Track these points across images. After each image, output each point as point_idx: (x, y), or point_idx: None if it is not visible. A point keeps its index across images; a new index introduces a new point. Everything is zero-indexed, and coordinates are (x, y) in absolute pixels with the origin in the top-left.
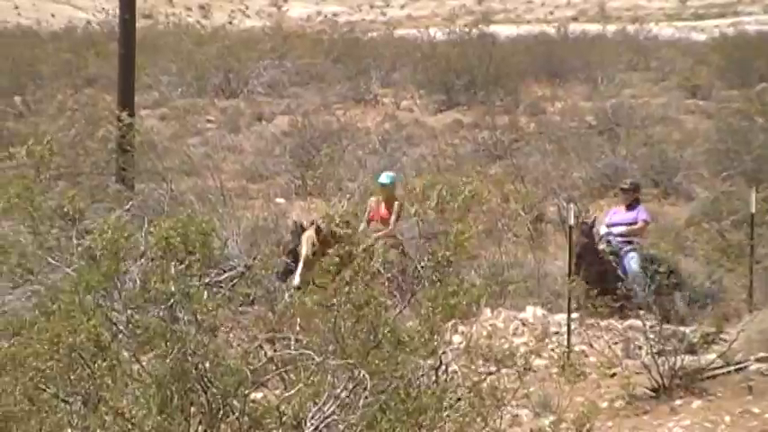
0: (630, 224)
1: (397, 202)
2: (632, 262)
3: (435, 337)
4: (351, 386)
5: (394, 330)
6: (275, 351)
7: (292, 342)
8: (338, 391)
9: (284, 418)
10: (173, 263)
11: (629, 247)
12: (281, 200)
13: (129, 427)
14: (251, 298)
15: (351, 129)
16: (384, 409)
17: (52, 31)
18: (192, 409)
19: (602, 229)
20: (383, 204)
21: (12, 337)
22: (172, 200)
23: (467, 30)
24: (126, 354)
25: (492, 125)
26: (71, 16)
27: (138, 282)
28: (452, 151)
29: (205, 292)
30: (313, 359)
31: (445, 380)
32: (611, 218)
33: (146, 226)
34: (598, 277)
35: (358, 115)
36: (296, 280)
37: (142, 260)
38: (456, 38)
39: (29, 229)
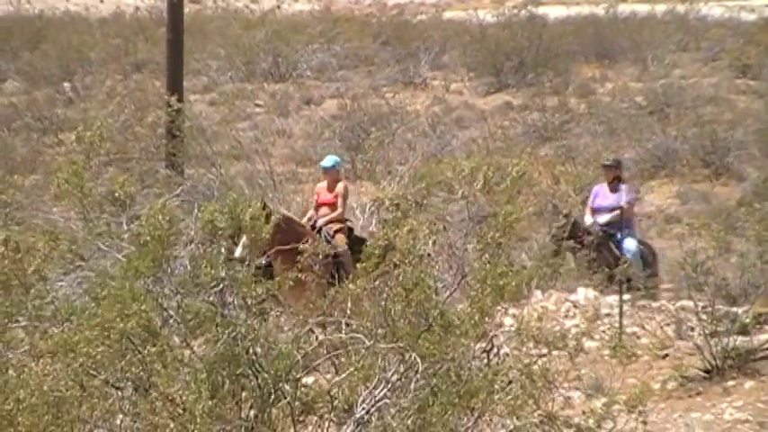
0: (614, 209)
1: (340, 184)
2: (628, 244)
3: (486, 319)
4: (402, 370)
5: (444, 313)
6: (326, 335)
7: (343, 326)
8: (389, 374)
9: (335, 403)
10: (222, 247)
11: (624, 232)
12: None
13: (180, 412)
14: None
15: (400, 112)
16: (435, 392)
17: (101, 16)
18: (243, 393)
19: (587, 218)
20: (327, 189)
21: (62, 323)
22: (221, 184)
23: (516, 11)
24: (176, 339)
25: (542, 107)
26: (119, 2)
27: (187, 267)
28: (502, 133)
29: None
30: (364, 343)
31: (496, 363)
32: (595, 201)
33: (196, 211)
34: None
35: (407, 98)
36: (238, 250)
37: (192, 245)
38: (505, 20)
39: (79, 215)
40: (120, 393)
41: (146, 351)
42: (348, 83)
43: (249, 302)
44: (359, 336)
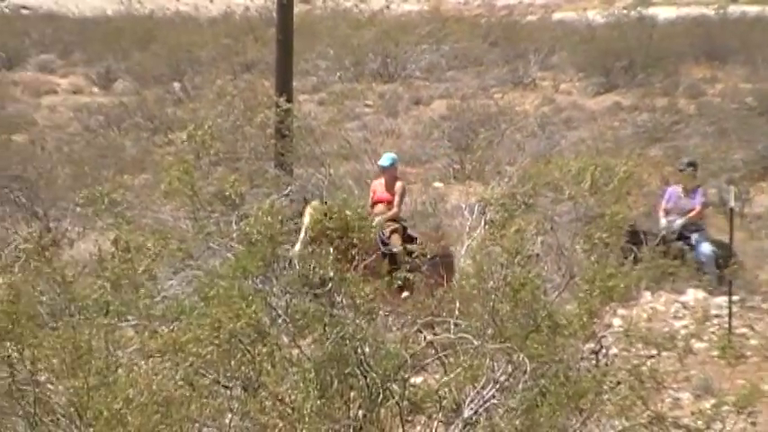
0: (688, 212)
1: (399, 183)
2: (703, 248)
3: (595, 320)
4: (510, 370)
5: (552, 314)
6: (434, 335)
7: (451, 326)
8: (497, 375)
9: (443, 402)
10: (330, 247)
11: (696, 235)
12: (439, 184)
13: (289, 411)
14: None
15: (509, 112)
16: (543, 393)
17: (210, 16)
18: (352, 393)
19: (662, 221)
20: (385, 187)
21: (172, 322)
22: (330, 184)
23: (625, 12)
24: (285, 338)
25: (651, 107)
26: (229, 2)
27: (296, 266)
28: (611, 134)
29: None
30: (472, 343)
31: (605, 363)
32: (668, 203)
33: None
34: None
35: (516, 99)
36: (297, 247)
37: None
38: (614, 20)
39: (188, 214)
40: (228, 392)
41: (255, 350)
42: (457, 83)
43: (357, 302)
44: (467, 336)
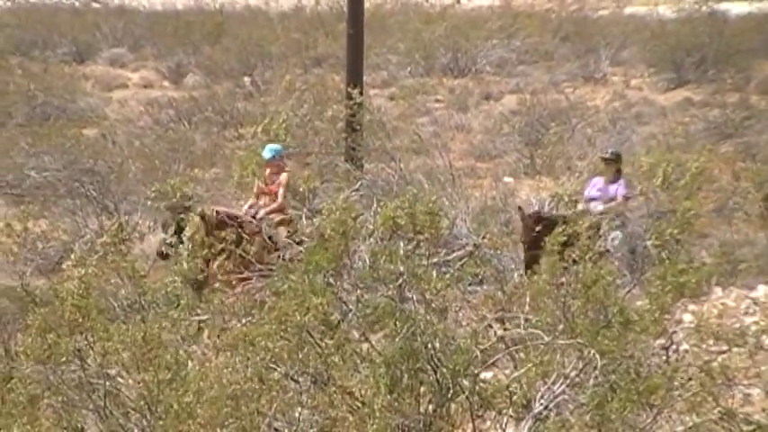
0: (610, 200)
1: (283, 175)
2: (614, 240)
3: (665, 316)
4: (580, 366)
5: (623, 310)
6: (505, 330)
7: (522, 321)
8: (568, 370)
9: (514, 398)
10: (401, 242)
11: (614, 225)
12: (509, 179)
13: (359, 406)
14: (480, 277)
15: (580, 107)
16: (614, 388)
17: (281, 11)
18: (422, 388)
19: (581, 205)
20: (270, 179)
21: (243, 317)
22: (400, 179)
23: (697, 7)
24: (355, 333)
25: (722, 103)
26: None
27: (367, 261)
28: (682, 129)
29: (434, 272)
30: (542, 339)
31: (676, 359)
32: (590, 192)
33: (375, 205)
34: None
35: (587, 93)
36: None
37: (371, 240)
38: (686, 15)
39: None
40: (298, 386)
41: (325, 345)
42: (527, 78)
43: (428, 297)
44: (538, 331)
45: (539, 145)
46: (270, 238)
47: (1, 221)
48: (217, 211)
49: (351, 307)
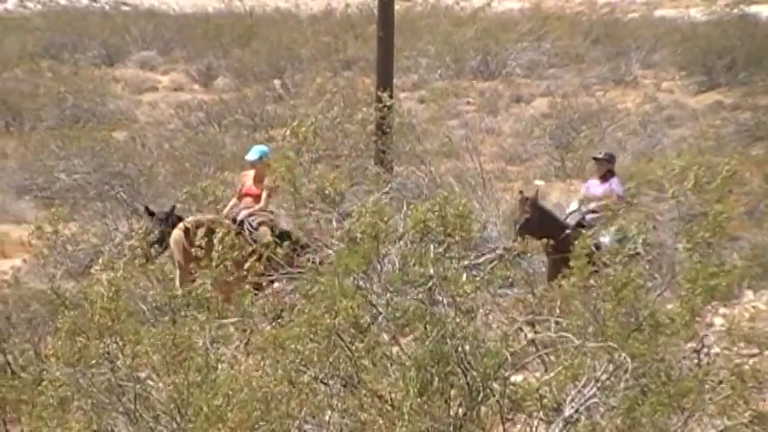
0: (602, 199)
1: (268, 178)
2: (604, 237)
3: (696, 319)
4: (611, 369)
5: (654, 313)
6: (535, 333)
7: (552, 324)
8: (598, 373)
9: (544, 401)
10: (431, 245)
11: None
12: (540, 182)
13: (389, 409)
14: (510, 280)
15: (610, 110)
16: (645, 391)
17: (311, 14)
18: (452, 391)
19: (573, 205)
20: (254, 180)
21: (273, 320)
22: (430, 182)
23: (728, 10)
24: (385, 336)
25: (753, 106)
26: None
27: (397, 264)
28: (713, 132)
29: (464, 275)
30: (573, 342)
31: (707, 362)
32: (584, 192)
33: (405, 208)
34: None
35: (618, 96)
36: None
37: (401, 243)
38: (716, 18)
39: (289, 211)
40: (328, 389)
41: (355, 347)
42: (558, 81)
43: (458, 300)
44: (568, 334)
45: (569, 148)
46: (253, 239)
47: (31, 224)
48: (196, 222)
49: (381, 310)
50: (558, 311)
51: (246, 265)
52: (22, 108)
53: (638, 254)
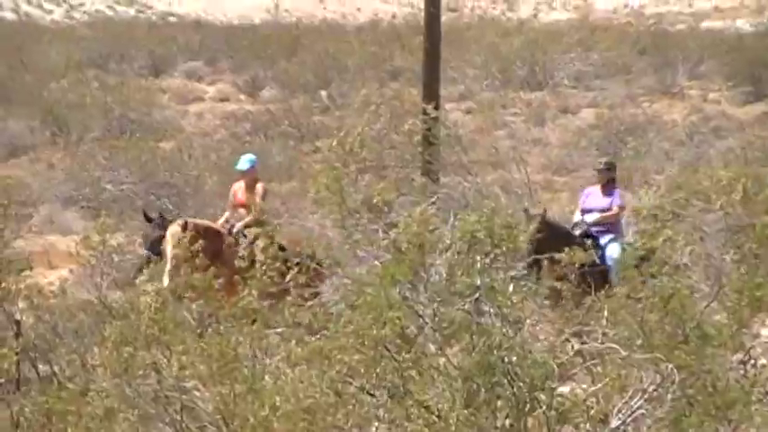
0: (604, 210)
1: (259, 185)
2: (611, 250)
3: (743, 330)
4: (658, 380)
5: (701, 324)
6: (582, 344)
7: (599, 335)
8: (645, 385)
9: (591, 413)
10: (478, 256)
11: (608, 237)
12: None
13: (435, 420)
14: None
15: (657, 121)
16: (691, 403)
17: (357, 24)
18: (498, 402)
19: (576, 216)
20: (246, 190)
21: (319, 330)
22: (477, 193)
23: None
24: (432, 347)
25: None
26: (377, 9)
27: (443, 275)
28: (761, 143)
29: (511, 286)
30: (619, 353)
31: (754, 374)
32: (586, 202)
33: (451, 219)
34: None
35: (664, 108)
36: (164, 281)
37: (448, 253)
38: (764, 29)
39: (335, 222)
40: (374, 400)
41: (401, 358)
42: (605, 92)
43: (505, 311)
44: (615, 346)
45: (616, 159)
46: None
47: (79, 234)
48: (195, 224)
49: (427, 320)
50: (605, 322)
51: (288, 278)
52: (68, 118)
53: (685, 264)
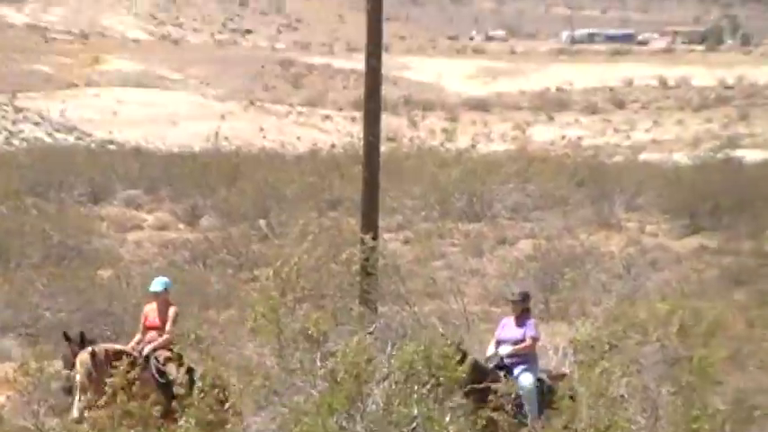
0: (518, 342)
1: (172, 309)
2: (523, 379)
3: None
4: None
5: None
6: None
7: None
8: None
9: None
10: (416, 386)
11: (521, 367)
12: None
13: None
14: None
15: (594, 253)
16: None
17: (297, 153)
18: None
19: (490, 348)
20: (158, 313)
21: None
22: (415, 323)
23: (712, 154)
24: None
25: (737, 250)
26: (316, 139)
27: (381, 404)
28: (697, 276)
29: (448, 416)
30: None
31: None
32: (500, 333)
33: (389, 349)
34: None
35: (602, 239)
36: (74, 413)
37: (385, 383)
38: (700, 162)
39: (273, 351)
40: None
41: None
42: (542, 223)
43: None
44: None
45: (553, 290)
46: (161, 374)
47: (17, 361)
48: (105, 349)
49: None
50: None
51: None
52: (7, 245)
53: (622, 396)
